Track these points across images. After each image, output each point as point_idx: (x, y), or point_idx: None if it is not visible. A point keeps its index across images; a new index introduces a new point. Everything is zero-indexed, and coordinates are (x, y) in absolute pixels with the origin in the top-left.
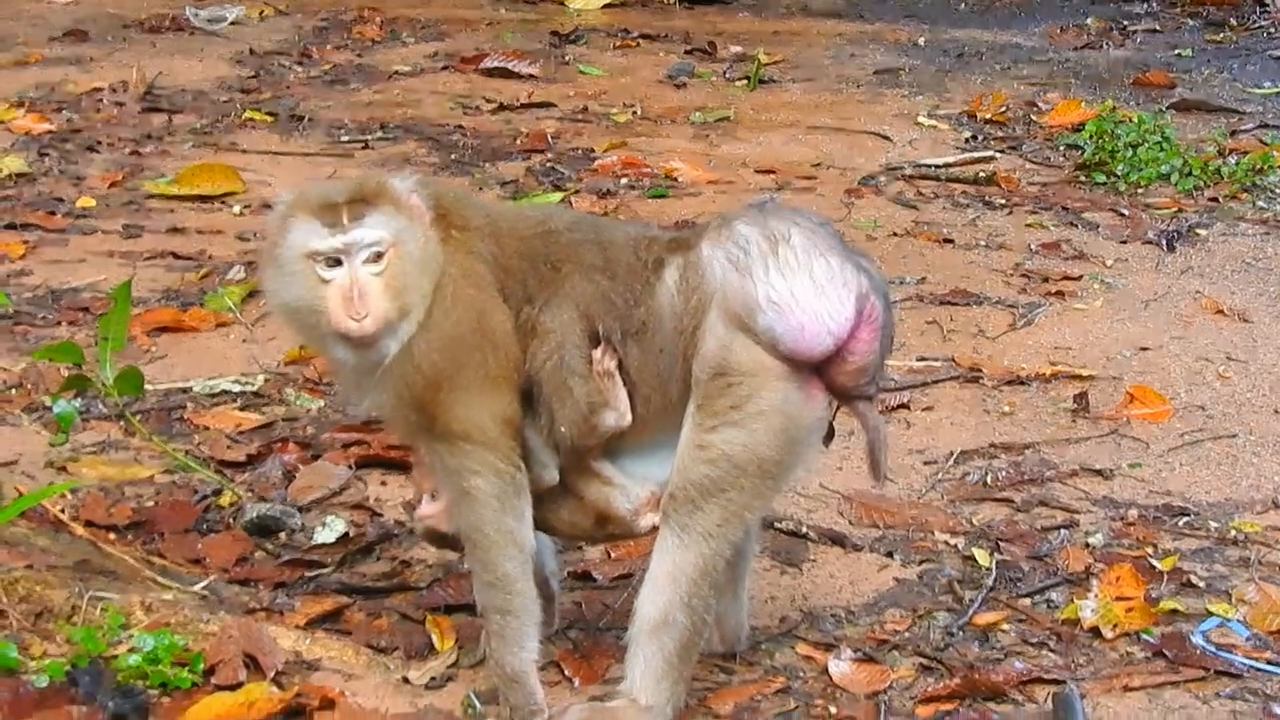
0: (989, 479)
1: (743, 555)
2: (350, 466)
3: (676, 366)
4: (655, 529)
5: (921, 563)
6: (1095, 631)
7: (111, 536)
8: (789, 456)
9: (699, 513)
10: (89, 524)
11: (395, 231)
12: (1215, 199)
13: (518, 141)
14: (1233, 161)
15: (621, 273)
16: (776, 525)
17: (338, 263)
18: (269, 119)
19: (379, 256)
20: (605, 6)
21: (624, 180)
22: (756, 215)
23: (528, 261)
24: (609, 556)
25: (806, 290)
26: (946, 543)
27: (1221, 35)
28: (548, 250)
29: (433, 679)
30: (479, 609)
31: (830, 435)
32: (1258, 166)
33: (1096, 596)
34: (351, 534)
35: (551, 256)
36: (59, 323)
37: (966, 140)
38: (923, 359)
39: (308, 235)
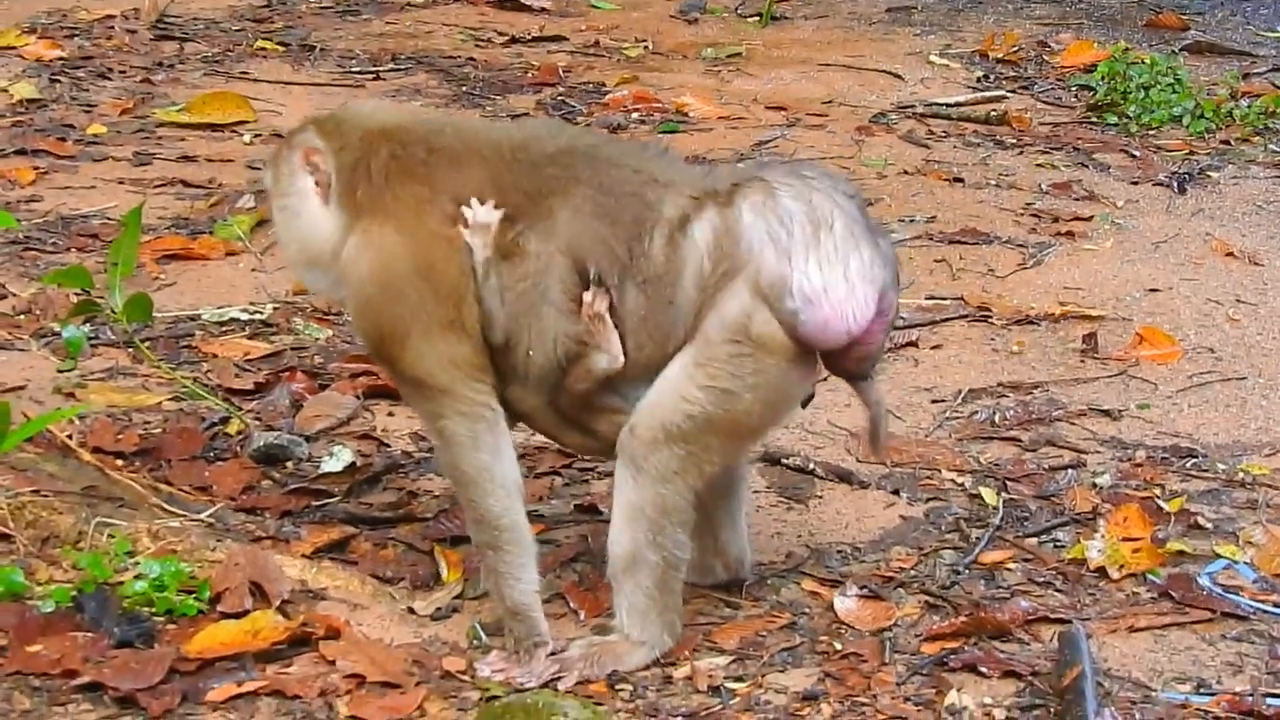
0: (997, 418)
1: (735, 485)
2: (358, 396)
3: (686, 321)
4: None
5: (928, 501)
6: (1101, 572)
7: (119, 463)
8: (768, 424)
9: (655, 455)
10: (96, 450)
11: (269, 186)
12: (1227, 142)
13: (529, 75)
14: (1245, 104)
15: (626, 221)
16: (783, 461)
17: None
18: (280, 49)
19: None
20: None
21: (635, 115)
22: (800, 187)
23: (507, 192)
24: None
25: (839, 288)
26: (953, 481)
27: None
28: (528, 181)
29: (438, 609)
30: (474, 544)
31: (809, 399)
32: (1270, 110)
33: (1103, 537)
34: (358, 464)
35: (532, 187)
36: (68, 249)
37: (978, 79)
38: (931, 297)
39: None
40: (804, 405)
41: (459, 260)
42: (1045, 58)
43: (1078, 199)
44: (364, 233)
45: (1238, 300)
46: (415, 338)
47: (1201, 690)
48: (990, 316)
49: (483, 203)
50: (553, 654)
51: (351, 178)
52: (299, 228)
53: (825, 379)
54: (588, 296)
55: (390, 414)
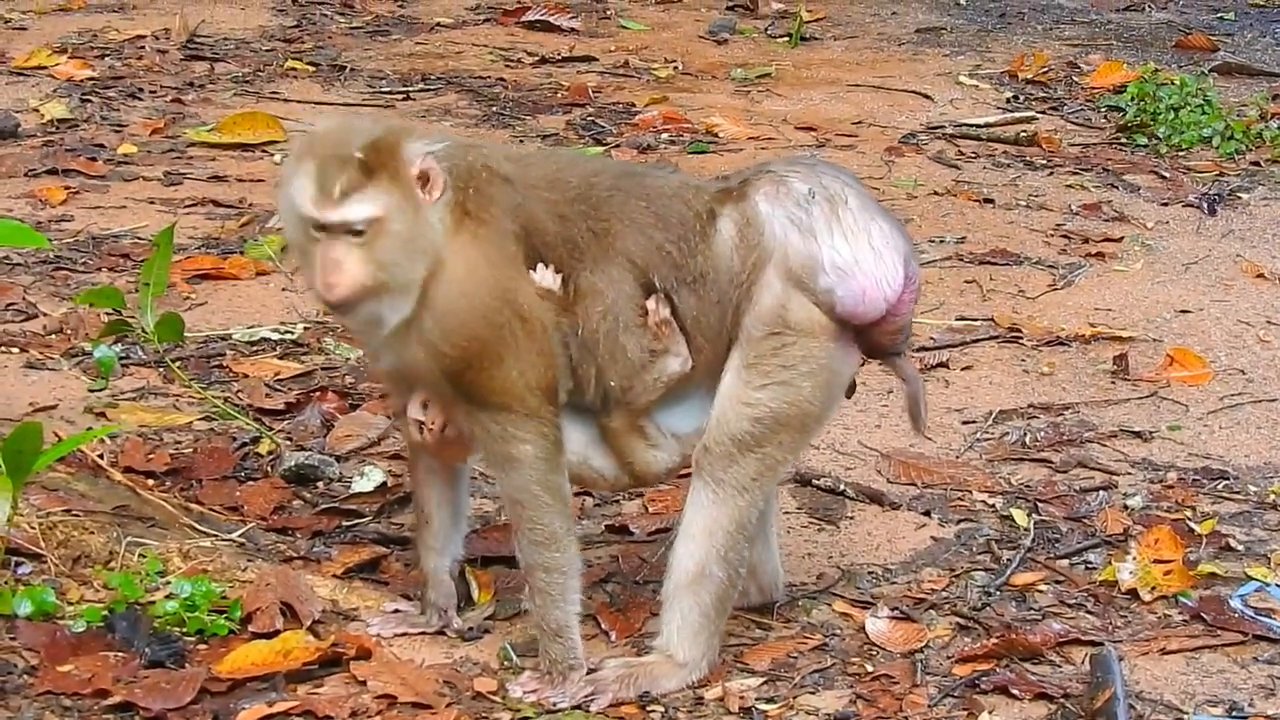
0: (1028, 439)
1: (767, 505)
2: (388, 416)
3: (729, 318)
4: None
5: (959, 522)
6: (1133, 594)
7: (150, 483)
8: (827, 410)
9: (735, 466)
10: (128, 470)
11: (385, 208)
12: (1257, 163)
13: (559, 95)
14: (1274, 125)
15: (674, 223)
16: (814, 482)
17: (325, 228)
18: (310, 69)
19: (361, 232)
20: None
21: (664, 135)
22: (807, 171)
23: (570, 226)
24: (646, 510)
25: (867, 256)
26: (984, 502)
27: None
28: (592, 211)
29: (469, 630)
30: (523, 566)
31: (853, 388)
32: None
33: (1135, 559)
34: (389, 484)
35: (597, 217)
36: (99, 269)
37: (1008, 100)
38: (962, 318)
39: (302, 197)
40: (849, 395)
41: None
42: (1075, 79)
43: (1108, 220)
44: (458, 255)
45: (1268, 322)
46: (508, 361)
47: (1234, 713)
48: (1021, 338)
49: (546, 263)
50: (586, 673)
51: (456, 199)
52: (407, 244)
53: (854, 399)
54: (651, 304)
55: None
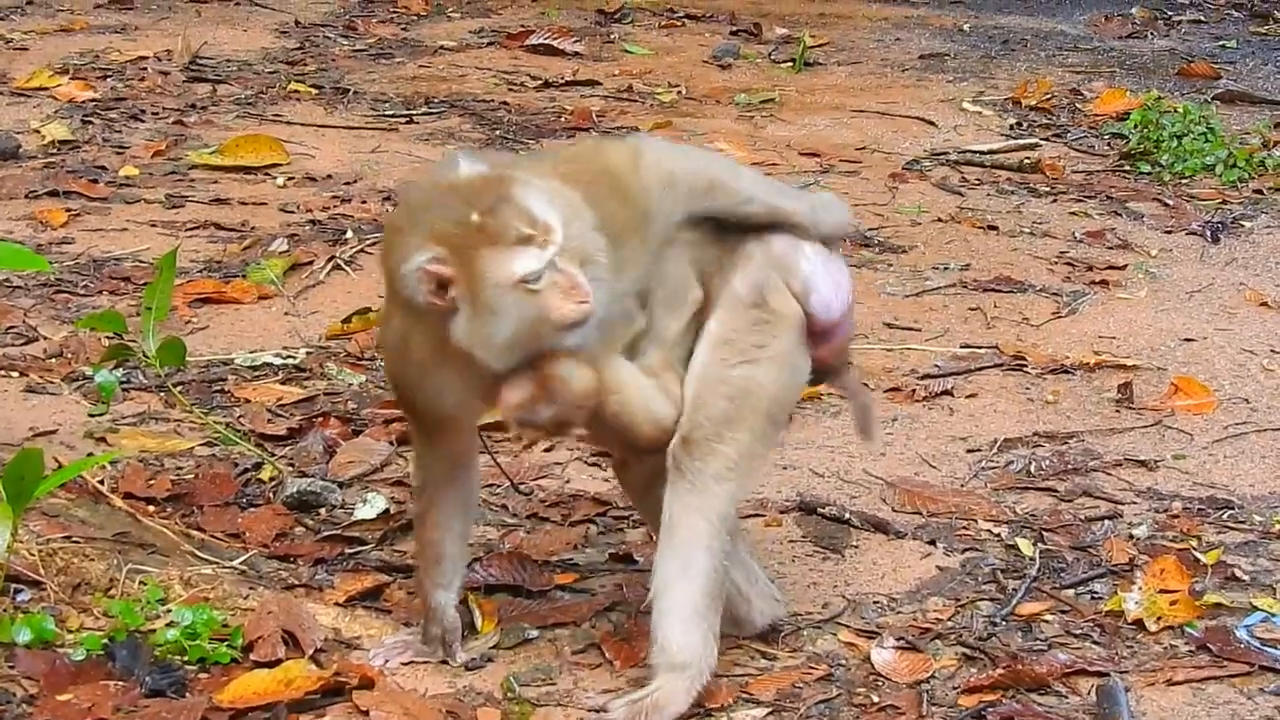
0: (1032, 468)
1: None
2: (391, 442)
3: (719, 266)
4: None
5: (964, 551)
6: (1139, 624)
7: (151, 509)
8: (788, 410)
9: (711, 455)
10: (128, 496)
11: (557, 221)
12: (1260, 191)
13: (562, 119)
14: (1277, 153)
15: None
16: (819, 511)
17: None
18: (313, 91)
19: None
20: None
21: None
22: None
23: None
24: (650, 539)
25: (830, 269)
26: (990, 531)
27: (1267, 27)
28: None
29: (473, 659)
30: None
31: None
32: None
33: (1140, 589)
34: (392, 510)
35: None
36: (100, 292)
37: (1011, 127)
38: (966, 346)
39: (513, 265)
40: None
41: None
42: (1078, 106)
43: (1111, 247)
44: None
45: (1272, 350)
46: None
47: None
48: (1025, 365)
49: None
50: (595, 710)
51: None
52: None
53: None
54: None
55: None
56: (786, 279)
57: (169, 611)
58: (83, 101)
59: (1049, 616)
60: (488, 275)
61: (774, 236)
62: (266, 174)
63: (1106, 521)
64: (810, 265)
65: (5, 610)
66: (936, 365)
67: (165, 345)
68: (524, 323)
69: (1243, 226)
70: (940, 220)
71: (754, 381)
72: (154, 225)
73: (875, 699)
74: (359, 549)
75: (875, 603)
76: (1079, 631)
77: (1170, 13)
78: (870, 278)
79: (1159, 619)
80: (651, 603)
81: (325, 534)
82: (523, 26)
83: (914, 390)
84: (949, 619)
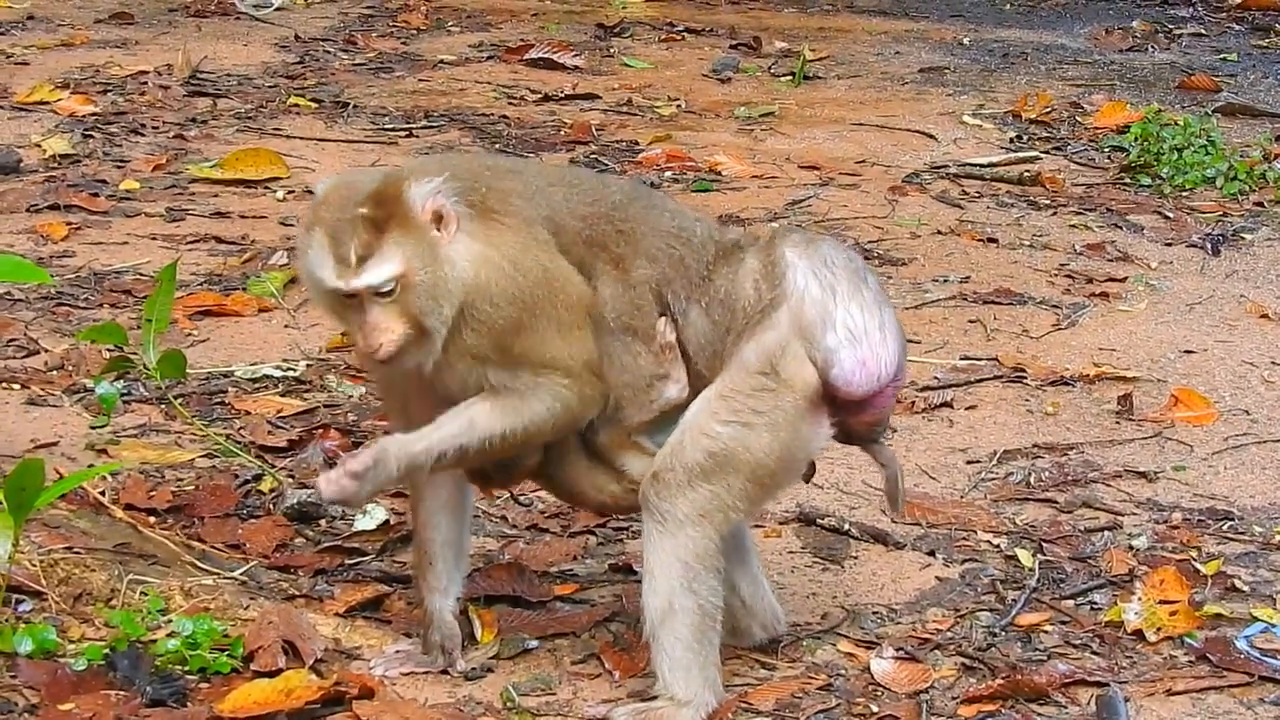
0: (1032, 479)
1: (743, 540)
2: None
3: (729, 347)
4: None
5: (964, 562)
6: (1139, 634)
7: (151, 520)
8: (782, 476)
9: (681, 498)
10: (129, 507)
11: (406, 261)
12: (1260, 203)
13: (562, 132)
14: (1278, 166)
15: (698, 243)
16: (819, 522)
17: (352, 296)
18: (313, 105)
19: (390, 291)
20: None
21: (668, 173)
22: (835, 243)
23: (592, 224)
24: None
25: (876, 332)
26: (989, 542)
27: (1267, 40)
28: (613, 213)
29: (472, 669)
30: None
31: (812, 470)
32: None
33: (1140, 599)
34: (392, 521)
35: (622, 219)
36: (100, 305)
37: (1011, 140)
38: (966, 358)
39: (322, 270)
40: (807, 479)
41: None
42: (1078, 119)
43: (1111, 260)
44: (493, 240)
45: (1272, 362)
46: (551, 333)
47: None
48: (1025, 377)
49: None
50: None
51: (474, 205)
52: (436, 287)
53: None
54: (660, 325)
55: None
56: (809, 350)
57: (170, 622)
58: (83, 116)
59: (1048, 627)
60: (308, 261)
61: (809, 298)
62: (266, 187)
63: (1106, 532)
64: (835, 340)
65: (7, 620)
66: (936, 377)
67: (166, 358)
68: (331, 315)
69: (1243, 239)
70: (940, 233)
71: (741, 444)
72: (154, 238)
73: (874, 709)
74: (359, 560)
75: (875, 613)
76: (1078, 642)
77: (1171, 26)
78: None
79: (1159, 629)
80: (648, 639)
81: (325, 545)
82: (522, 40)
83: (914, 402)
84: (948, 629)
